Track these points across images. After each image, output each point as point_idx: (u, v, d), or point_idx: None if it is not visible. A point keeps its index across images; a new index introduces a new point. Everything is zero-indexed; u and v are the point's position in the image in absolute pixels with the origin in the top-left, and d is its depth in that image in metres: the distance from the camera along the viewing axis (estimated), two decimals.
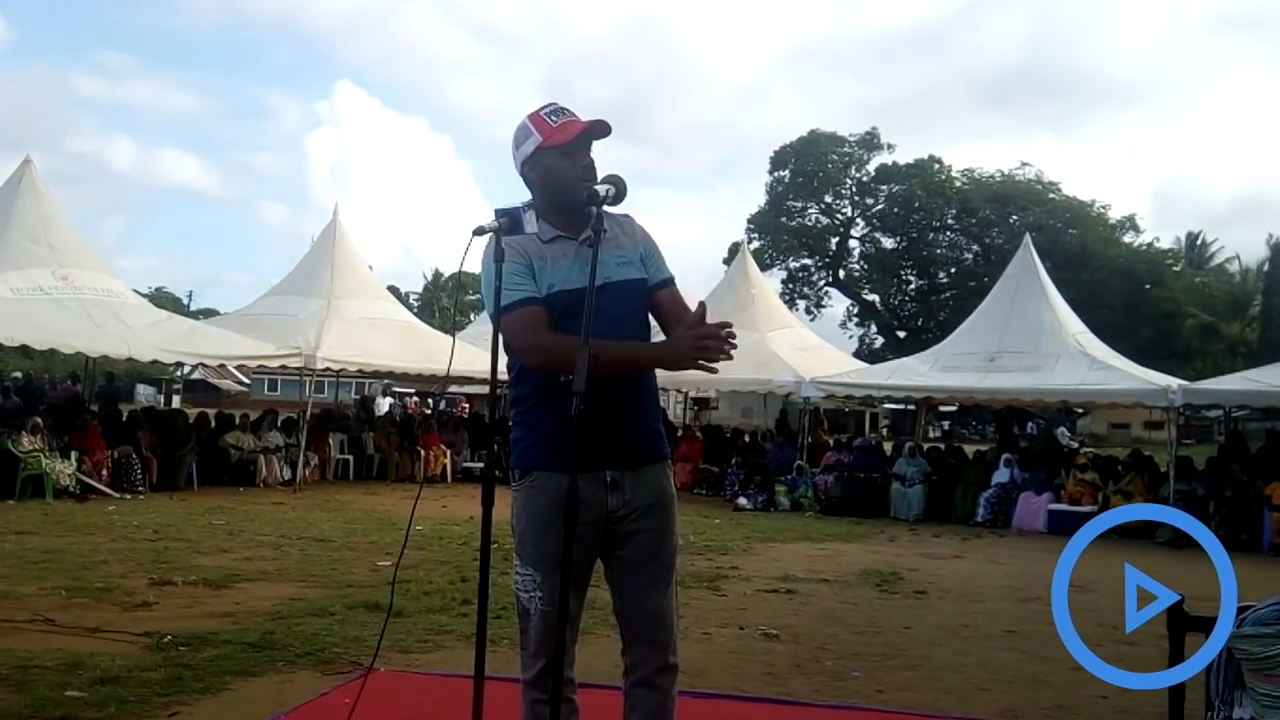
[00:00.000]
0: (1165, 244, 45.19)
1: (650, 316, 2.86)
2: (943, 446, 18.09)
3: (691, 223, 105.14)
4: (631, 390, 2.72)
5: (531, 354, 2.66)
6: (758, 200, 46.77)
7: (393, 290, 30.27)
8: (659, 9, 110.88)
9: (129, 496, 12.55)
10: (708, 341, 2.54)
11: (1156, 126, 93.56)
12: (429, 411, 22.25)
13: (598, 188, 2.60)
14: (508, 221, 2.60)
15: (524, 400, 2.75)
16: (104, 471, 12.82)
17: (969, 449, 17.84)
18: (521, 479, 2.73)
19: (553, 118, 2.70)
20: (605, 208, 2.63)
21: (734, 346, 2.54)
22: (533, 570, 2.68)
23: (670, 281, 2.89)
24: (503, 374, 2.79)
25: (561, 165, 2.68)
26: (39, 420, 12.54)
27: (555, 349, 2.59)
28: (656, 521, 2.74)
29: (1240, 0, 78.20)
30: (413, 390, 29.33)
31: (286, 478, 14.91)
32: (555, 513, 2.49)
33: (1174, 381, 13.97)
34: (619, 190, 2.64)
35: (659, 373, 2.87)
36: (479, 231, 2.59)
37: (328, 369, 15.62)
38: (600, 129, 2.71)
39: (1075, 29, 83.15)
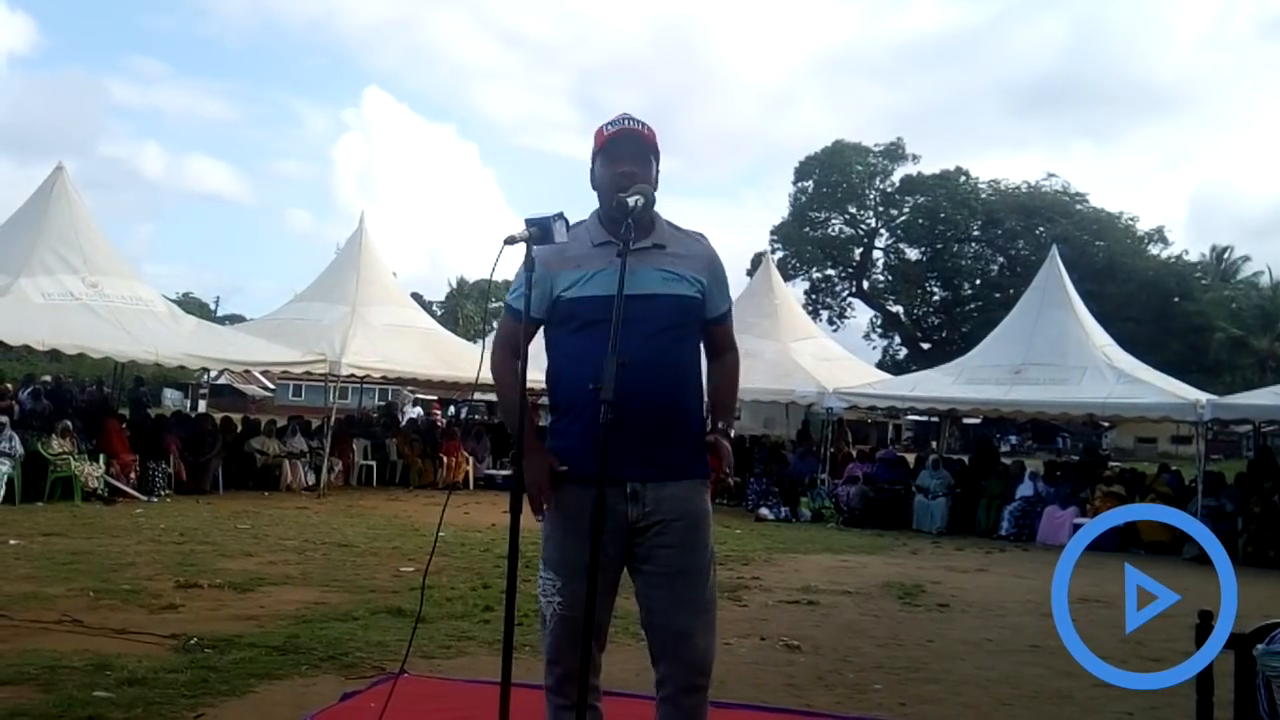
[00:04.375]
0: (1195, 257, 44.91)
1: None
2: (965, 459, 17.94)
3: (718, 233, 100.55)
4: (663, 404, 2.69)
5: (491, 361, 2.81)
6: (783, 210, 46.83)
7: (416, 297, 30.44)
8: (688, 18, 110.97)
9: (156, 500, 12.68)
10: (535, 498, 2.67)
11: (1198, 136, 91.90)
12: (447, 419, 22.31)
13: (628, 198, 2.60)
14: (537, 231, 2.60)
15: (553, 408, 2.79)
16: (131, 475, 12.95)
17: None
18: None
19: (608, 126, 2.77)
20: (678, 224, 2.79)
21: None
22: (553, 574, 2.68)
23: (722, 319, 2.90)
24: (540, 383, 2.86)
25: (602, 172, 2.77)
26: (68, 424, 12.70)
27: (502, 371, 2.78)
28: (680, 537, 2.69)
29: None
30: (435, 397, 29.52)
31: (311, 483, 14.97)
32: (578, 518, 2.52)
33: (1203, 396, 13.81)
34: (647, 200, 2.66)
35: None
36: (510, 241, 2.60)
37: (352, 375, 15.74)
38: (626, 136, 2.73)
39: (1116, 35, 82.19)
